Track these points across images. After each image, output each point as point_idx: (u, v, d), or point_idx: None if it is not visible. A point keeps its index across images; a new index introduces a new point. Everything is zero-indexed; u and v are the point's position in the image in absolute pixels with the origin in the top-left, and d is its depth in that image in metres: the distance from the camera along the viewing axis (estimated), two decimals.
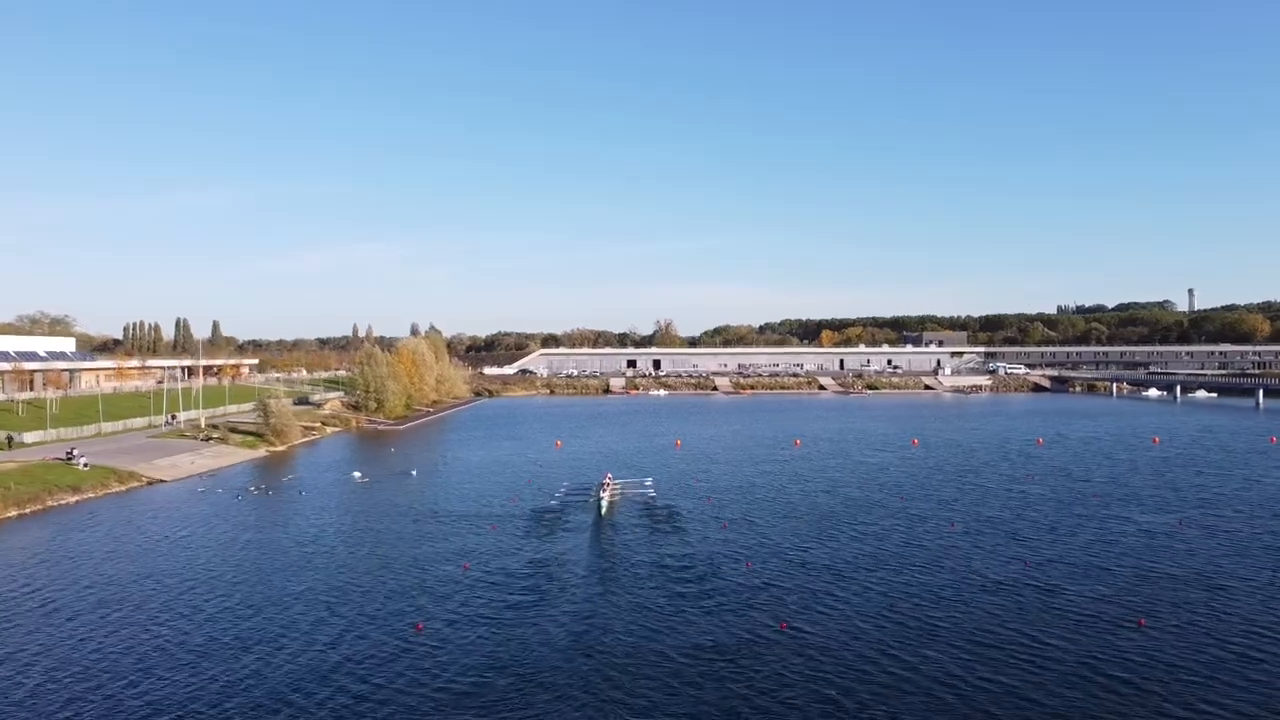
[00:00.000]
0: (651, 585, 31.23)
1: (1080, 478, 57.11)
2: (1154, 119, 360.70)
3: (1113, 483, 54.53)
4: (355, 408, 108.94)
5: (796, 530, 40.61)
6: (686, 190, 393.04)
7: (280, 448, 75.82)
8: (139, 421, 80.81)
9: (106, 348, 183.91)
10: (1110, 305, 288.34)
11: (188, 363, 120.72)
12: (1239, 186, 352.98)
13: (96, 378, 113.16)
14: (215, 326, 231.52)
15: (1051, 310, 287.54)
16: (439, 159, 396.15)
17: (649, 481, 52.98)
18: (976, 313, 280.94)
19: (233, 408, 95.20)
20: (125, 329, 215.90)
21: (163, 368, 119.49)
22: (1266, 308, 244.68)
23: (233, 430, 78.96)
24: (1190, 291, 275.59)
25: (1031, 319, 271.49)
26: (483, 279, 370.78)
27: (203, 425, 79.91)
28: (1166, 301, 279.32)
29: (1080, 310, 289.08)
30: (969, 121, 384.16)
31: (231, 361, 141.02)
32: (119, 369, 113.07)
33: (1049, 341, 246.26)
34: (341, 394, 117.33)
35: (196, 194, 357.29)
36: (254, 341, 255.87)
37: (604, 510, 44.58)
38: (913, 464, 64.91)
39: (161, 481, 56.83)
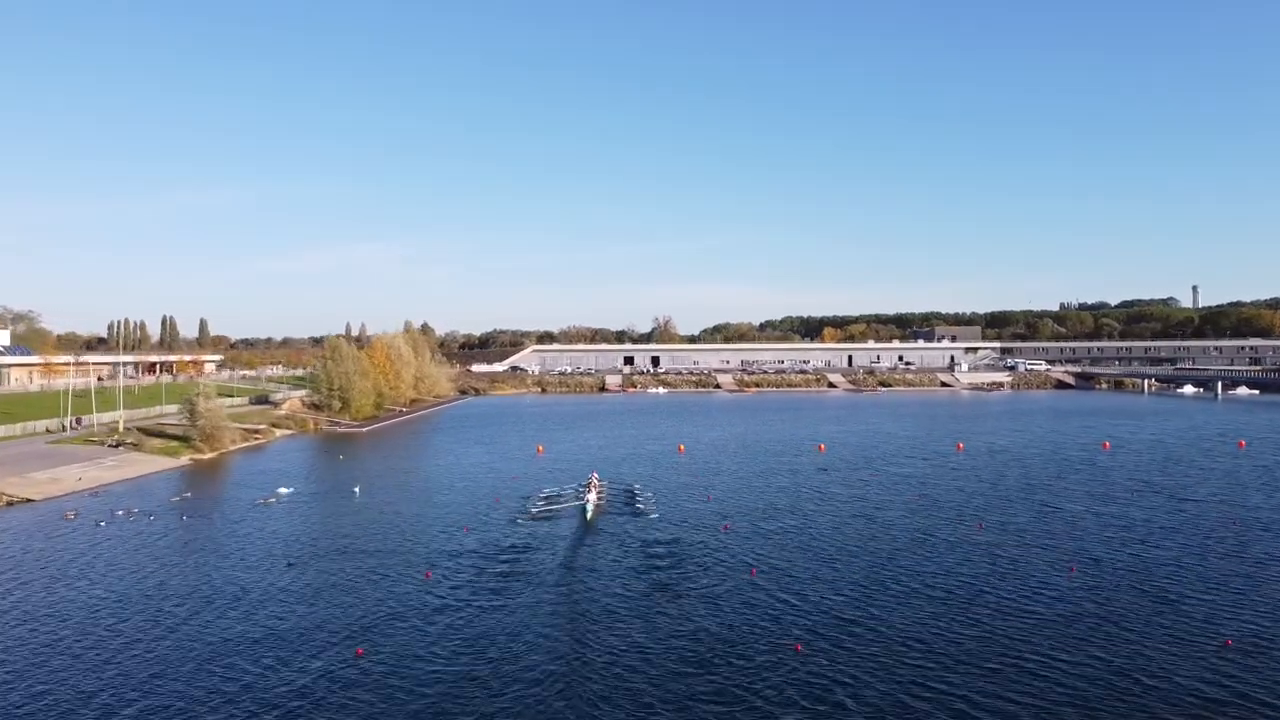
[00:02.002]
0: (656, 691, 19.55)
1: (1183, 495, 45.46)
2: (1154, 119, 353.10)
3: (1231, 504, 42.78)
4: (317, 407, 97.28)
5: (851, 584, 28.91)
6: (686, 190, 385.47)
7: (208, 455, 64.05)
8: (44, 424, 68.89)
9: (91, 346, 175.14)
10: (1113, 303, 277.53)
11: (129, 359, 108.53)
12: (1240, 186, 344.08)
13: (30, 374, 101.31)
14: (203, 324, 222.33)
15: (1054, 308, 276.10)
16: (439, 159, 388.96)
17: (638, 487, 47.86)
18: (980, 310, 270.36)
19: (171, 408, 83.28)
20: (109, 326, 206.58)
21: (108, 364, 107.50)
22: (1276, 304, 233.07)
23: (156, 434, 67.23)
24: (1194, 288, 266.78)
25: (1039, 315, 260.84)
26: (482, 279, 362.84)
27: (120, 429, 68.14)
28: (1170, 298, 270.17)
29: (1084, 308, 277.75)
30: (969, 121, 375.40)
31: (188, 357, 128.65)
32: (46, 364, 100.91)
33: (1059, 337, 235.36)
34: (304, 392, 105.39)
35: (196, 194, 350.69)
36: (245, 340, 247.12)
37: (590, 514, 38.81)
38: (964, 477, 53.28)
39: (29, 501, 45.10)
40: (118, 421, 70.68)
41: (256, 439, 74.59)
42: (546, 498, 44.12)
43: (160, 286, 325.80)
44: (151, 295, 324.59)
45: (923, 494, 46.33)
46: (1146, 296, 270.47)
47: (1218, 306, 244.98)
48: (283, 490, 47.87)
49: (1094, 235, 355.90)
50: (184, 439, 65.48)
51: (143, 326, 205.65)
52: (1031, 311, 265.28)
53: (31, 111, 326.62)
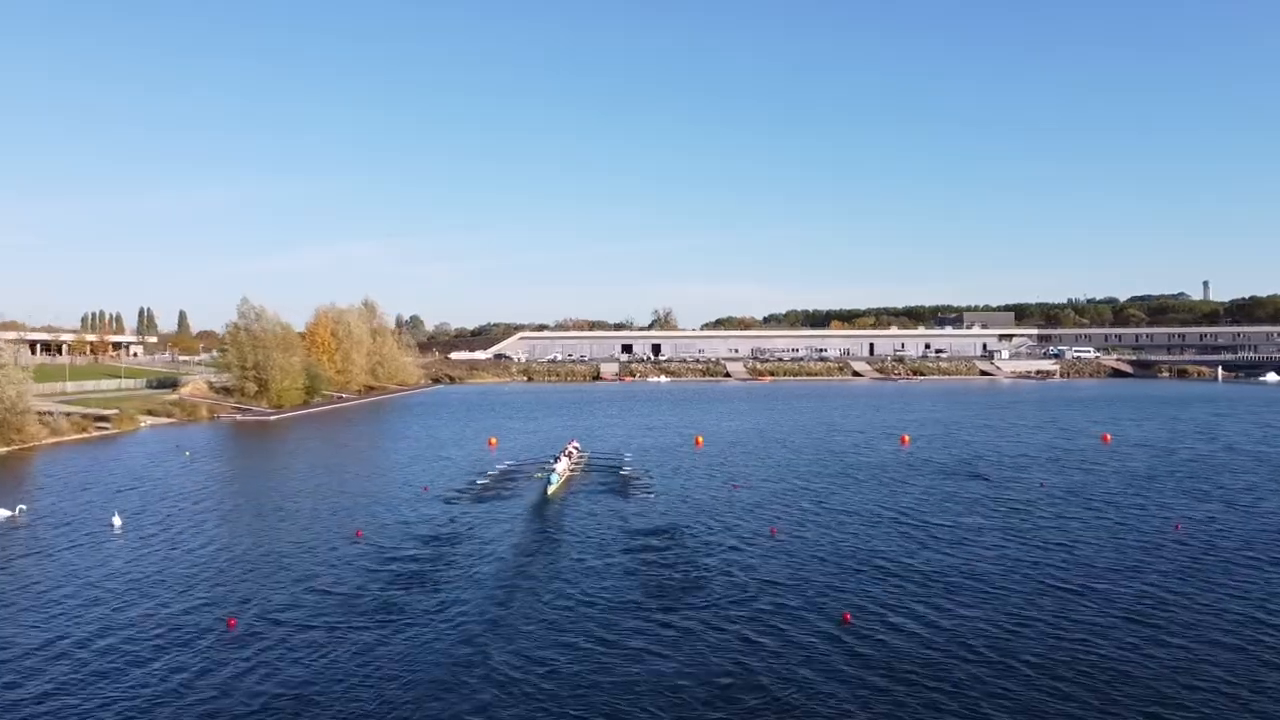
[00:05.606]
0: None
1: None
2: (1154, 119, 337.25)
3: None
4: (230, 391, 76.57)
5: None
6: (686, 190, 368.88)
7: None
8: None
9: None
10: (1123, 298, 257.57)
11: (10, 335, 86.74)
12: (1241, 184, 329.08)
13: None
14: (182, 316, 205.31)
15: (1063, 302, 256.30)
16: (439, 159, 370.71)
17: (629, 457, 41.33)
18: (993, 303, 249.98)
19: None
20: (84, 319, 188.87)
21: None
22: None
23: None
24: (1205, 283, 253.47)
25: (1056, 307, 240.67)
26: (481, 278, 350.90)
27: None
28: (1181, 293, 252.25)
29: (1092, 303, 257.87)
30: (969, 122, 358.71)
31: (93, 337, 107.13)
32: None
33: (1082, 326, 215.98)
34: (211, 374, 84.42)
35: (194, 192, 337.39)
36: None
37: (552, 488, 29.62)
38: (1176, 491, 32.56)
39: None
40: None
41: (102, 429, 53.51)
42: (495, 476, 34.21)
43: (160, 286, 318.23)
44: (151, 295, 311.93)
45: (1175, 524, 25.47)
46: (1155, 292, 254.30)
47: (1234, 300, 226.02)
48: (4, 513, 27.02)
49: (1095, 234, 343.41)
50: None
51: (119, 319, 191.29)
52: (1048, 304, 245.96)
53: (31, 111, 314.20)
